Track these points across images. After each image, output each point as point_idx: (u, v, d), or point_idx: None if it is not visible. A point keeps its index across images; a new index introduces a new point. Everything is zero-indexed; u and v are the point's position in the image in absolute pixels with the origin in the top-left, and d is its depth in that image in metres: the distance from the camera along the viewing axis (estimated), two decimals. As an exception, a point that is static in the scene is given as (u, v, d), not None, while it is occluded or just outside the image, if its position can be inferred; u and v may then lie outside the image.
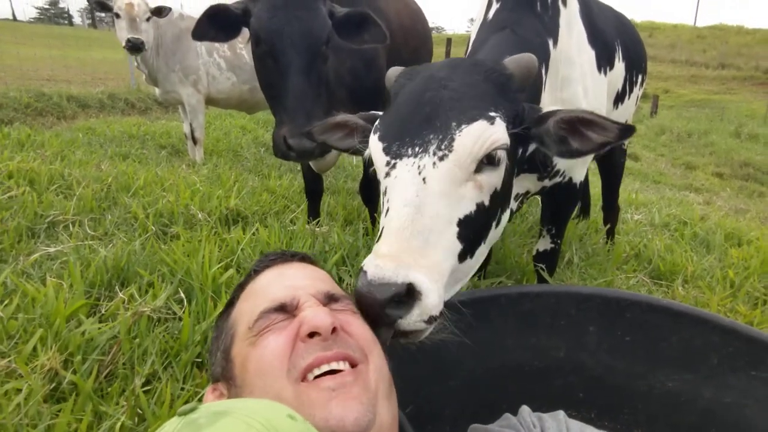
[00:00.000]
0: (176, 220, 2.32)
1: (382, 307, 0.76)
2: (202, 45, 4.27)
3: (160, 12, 3.96)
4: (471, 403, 1.19)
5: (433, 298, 0.79)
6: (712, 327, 1.15)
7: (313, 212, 2.66)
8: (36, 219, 2.17)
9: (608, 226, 2.88)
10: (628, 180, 6.13)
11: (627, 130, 0.96)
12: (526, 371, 1.26)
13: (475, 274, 2.03)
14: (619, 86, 2.07)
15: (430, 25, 3.30)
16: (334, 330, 0.73)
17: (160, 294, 1.57)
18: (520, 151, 1.11)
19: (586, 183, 3.23)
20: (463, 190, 0.92)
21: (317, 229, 2.35)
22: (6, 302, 1.44)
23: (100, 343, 1.33)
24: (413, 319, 0.78)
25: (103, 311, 1.50)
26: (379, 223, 1.00)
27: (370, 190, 2.65)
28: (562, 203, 1.84)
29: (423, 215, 0.85)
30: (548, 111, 1.03)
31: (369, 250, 1.08)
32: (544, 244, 1.92)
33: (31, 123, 5.29)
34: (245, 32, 1.83)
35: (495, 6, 1.54)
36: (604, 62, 1.81)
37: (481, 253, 1.01)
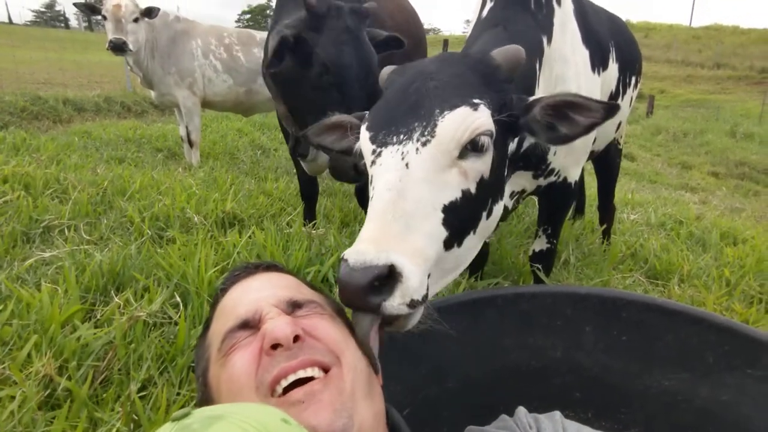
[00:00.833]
0: (172, 223, 2.32)
1: (366, 293, 0.75)
2: (198, 47, 4.25)
3: (149, 13, 3.93)
4: (469, 404, 1.19)
5: (414, 281, 0.77)
6: (708, 326, 1.15)
7: (310, 215, 2.66)
8: (31, 224, 2.17)
9: (604, 226, 2.89)
10: (624, 180, 6.15)
11: (612, 108, 0.97)
12: (523, 371, 1.26)
13: (471, 275, 2.05)
14: (613, 87, 2.08)
15: (426, 26, 3.31)
16: (297, 338, 0.71)
17: (155, 298, 1.57)
18: (511, 142, 1.11)
19: (581, 183, 3.24)
20: (448, 176, 0.91)
21: (313, 231, 2.35)
22: (0, 308, 1.43)
23: (96, 348, 1.32)
24: (396, 302, 0.76)
25: (98, 316, 1.50)
26: None
27: (366, 192, 2.64)
28: (557, 203, 1.85)
29: (406, 200, 0.85)
30: (534, 99, 1.04)
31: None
32: (541, 244, 1.92)
33: (27, 127, 5.26)
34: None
35: (489, 4, 1.55)
36: (598, 63, 1.82)
37: (472, 244, 1.00)
